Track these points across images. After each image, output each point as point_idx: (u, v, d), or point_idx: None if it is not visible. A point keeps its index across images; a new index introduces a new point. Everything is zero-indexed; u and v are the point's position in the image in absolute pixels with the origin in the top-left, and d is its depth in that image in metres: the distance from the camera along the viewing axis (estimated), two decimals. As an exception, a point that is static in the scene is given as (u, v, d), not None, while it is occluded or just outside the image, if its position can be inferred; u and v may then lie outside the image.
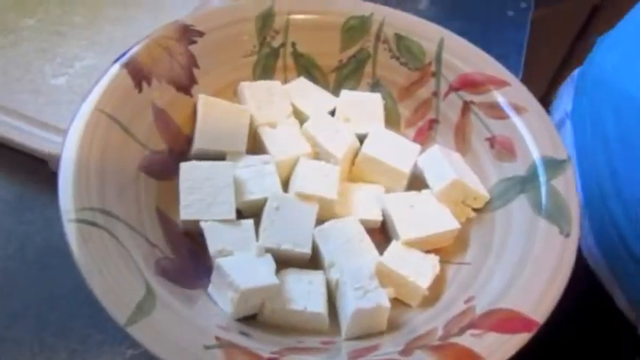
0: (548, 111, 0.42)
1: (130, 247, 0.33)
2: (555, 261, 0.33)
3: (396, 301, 0.37)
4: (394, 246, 0.38)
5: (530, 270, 0.33)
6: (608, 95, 0.42)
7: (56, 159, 0.35)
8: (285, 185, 0.40)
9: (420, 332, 0.33)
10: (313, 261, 0.38)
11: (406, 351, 0.31)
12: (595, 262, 0.42)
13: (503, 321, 0.31)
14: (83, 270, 0.30)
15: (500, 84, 0.42)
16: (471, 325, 0.31)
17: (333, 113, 0.44)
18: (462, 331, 0.31)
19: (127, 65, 0.39)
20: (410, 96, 0.45)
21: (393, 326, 0.35)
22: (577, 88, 0.47)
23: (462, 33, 0.45)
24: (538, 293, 0.32)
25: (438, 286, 0.37)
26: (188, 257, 0.37)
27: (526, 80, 0.52)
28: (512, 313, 0.31)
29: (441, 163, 0.40)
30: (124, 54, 0.40)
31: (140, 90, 0.39)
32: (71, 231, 0.32)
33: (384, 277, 0.36)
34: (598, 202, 0.41)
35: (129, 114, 0.38)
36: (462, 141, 0.43)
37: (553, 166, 0.38)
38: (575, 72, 0.48)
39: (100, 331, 0.37)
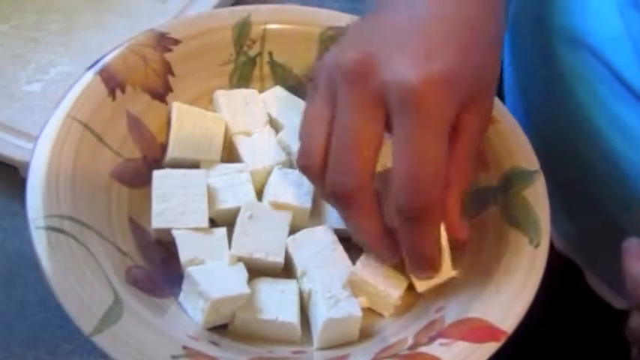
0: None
1: (99, 255, 0.33)
2: (524, 271, 0.34)
3: (369, 311, 0.37)
4: (367, 255, 0.38)
5: (500, 280, 0.34)
6: None
7: (28, 166, 0.35)
8: (260, 194, 0.40)
9: (391, 342, 0.33)
10: (286, 270, 0.38)
11: (376, 360, 0.31)
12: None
13: (471, 330, 0.31)
14: (50, 277, 0.30)
15: (474, 95, 0.42)
16: (440, 335, 0.32)
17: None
18: (431, 341, 0.31)
19: (100, 73, 0.39)
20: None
21: (365, 336, 0.35)
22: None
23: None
24: (506, 303, 0.32)
25: (410, 295, 0.37)
26: (160, 266, 0.37)
27: (502, 93, 0.53)
28: (480, 323, 0.32)
29: (415, 173, 0.40)
30: (97, 61, 0.40)
31: (114, 98, 0.39)
32: (39, 238, 0.31)
33: (357, 286, 0.36)
34: None
35: (102, 121, 0.38)
36: (436, 151, 0.43)
37: (524, 177, 0.38)
38: None
39: (70, 341, 0.37)
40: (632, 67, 0.39)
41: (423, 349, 0.31)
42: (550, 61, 0.43)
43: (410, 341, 0.32)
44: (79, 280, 0.31)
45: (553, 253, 0.36)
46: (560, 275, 0.41)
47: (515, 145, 0.40)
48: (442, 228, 0.38)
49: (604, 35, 0.40)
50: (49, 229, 0.32)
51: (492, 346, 0.31)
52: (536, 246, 0.35)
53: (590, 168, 0.41)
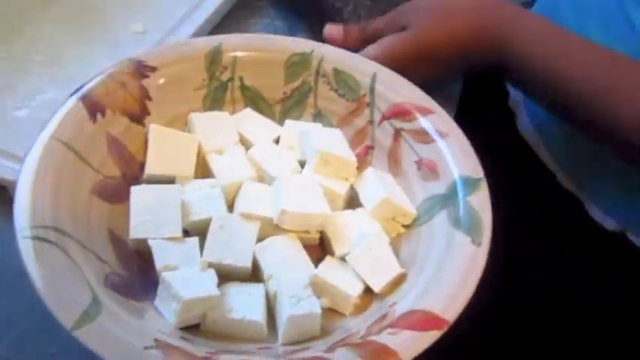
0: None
1: (79, 261, 0.36)
2: (467, 267, 0.37)
3: (331, 311, 0.40)
4: (329, 260, 0.41)
5: (445, 276, 0.37)
6: None
7: (15, 185, 0.38)
8: (232, 207, 0.44)
9: (347, 334, 0.36)
10: (255, 275, 0.41)
11: (330, 349, 0.34)
12: (530, 136, 0.59)
13: (417, 321, 0.35)
14: (34, 280, 0.33)
15: (426, 112, 0.46)
16: (389, 325, 0.35)
17: (278, 141, 0.48)
18: (380, 331, 0.34)
19: (82, 98, 0.43)
20: (348, 124, 0.49)
21: (326, 332, 0.38)
22: None
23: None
24: (450, 295, 0.36)
25: (368, 295, 0.40)
26: (137, 273, 0.40)
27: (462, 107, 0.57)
28: (425, 314, 0.35)
29: (373, 184, 0.44)
30: (80, 88, 0.44)
31: (95, 121, 0.43)
32: (25, 246, 0.35)
33: (319, 287, 0.40)
34: None
35: (84, 142, 0.42)
36: (394, 164, 0.47)
37: (470, 184, 0.42)
38: None
39: (56, 345, 0.40)
40: None
41: (372, 337, 0.34)
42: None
43: (362, 332, 0.35)
44: (61, 281, 0.34)
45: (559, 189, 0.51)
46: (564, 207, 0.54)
47: (462, 156, 0.44)
48: (385, 235, 0.42)
49: None
50: (35, 238, 0.35)
51: (435, 334, 0.34)
52: (479, 245, 0.38)
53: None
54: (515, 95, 0.62)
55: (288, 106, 0.50)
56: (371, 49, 0.51)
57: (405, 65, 0.49)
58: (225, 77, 0.49)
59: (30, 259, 0.34)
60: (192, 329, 0.38)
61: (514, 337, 0.52)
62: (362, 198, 0.44)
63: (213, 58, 0.48)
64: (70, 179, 0.40)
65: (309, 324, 0.37)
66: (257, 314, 0.38)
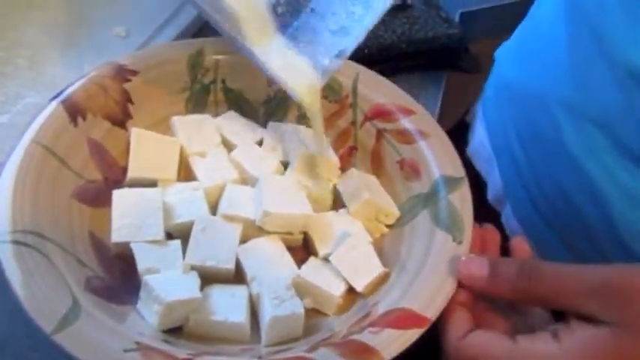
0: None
1: (60, 265, 0.36)
2: (448, 265, 0.37)
3: (314, 311, 0.40)
4: (312, 261, 0.41)
5: (426, 274, 0.37)
6: (509, 94, 0.49)
7: (-5, 189, 0.38)
8: (215, 209, 0.44)
9: (329, 334, 0.36)
10: (238, 277, 0.41)
11: (312, 349, 0.34)
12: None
13: (398, 319, 0.35)
14: (14, 285, 0.33)
15: (408, 112, 0.47)
16: (371, 324, 0.35)
17: (261, 144, 0.48)
18: (362, 330, 0.35)
19: (63, 102, 0.43)
20: (331, 126, 0.49)
21: (310, 332, 0.38)
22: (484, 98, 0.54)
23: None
24: (430, 293, 0.36)
25: (351, 295, 0.40)
26: (120, 277, 0.40)
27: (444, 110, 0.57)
28: (406, 312, 0.35)
29: (356, 184, 0.44)
30: (61, 92, 0.43)
31: (75, 124, 0.43)
32: (4, 251, 0.34)
33: (302, 288, 0.40)
34: (519, 189, 0.49)
35: (64, 146, 0.41)
36: (377, 165, 0.47)
37: (451, 183, 0.42)
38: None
39: (36, 349, 0.39)
40: (637, 138, 0.39)
41: (353, 337, 0.34)
42: (556, 135, 0.44)
43: (344, 332, 0.35)
44: (40, 286, 0.34)
45: None
46: None
47: (443, 155, 0.44)
48: (367, 233, 0.42)
49: (607, 109, 0.40)
50: (14, 242, 0.35)
51: (416, 332, 0.34)
52: (459, 243, 0.39)
53: (599, 233, 0.43)
54: (497, 190, 0.53)
55: (272, 108, 0.50)
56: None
57: None
58: (207, 80, 0.49)
59: (9, 264, 0.34)
60: (175, 332, 0.37)
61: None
62: (345, 199, 0.45)
63: (196, 61, 0.48)
64: (51, 183, 0.39)
65: (292, 325, 0.37)
66: (240, 316, 0.38)
